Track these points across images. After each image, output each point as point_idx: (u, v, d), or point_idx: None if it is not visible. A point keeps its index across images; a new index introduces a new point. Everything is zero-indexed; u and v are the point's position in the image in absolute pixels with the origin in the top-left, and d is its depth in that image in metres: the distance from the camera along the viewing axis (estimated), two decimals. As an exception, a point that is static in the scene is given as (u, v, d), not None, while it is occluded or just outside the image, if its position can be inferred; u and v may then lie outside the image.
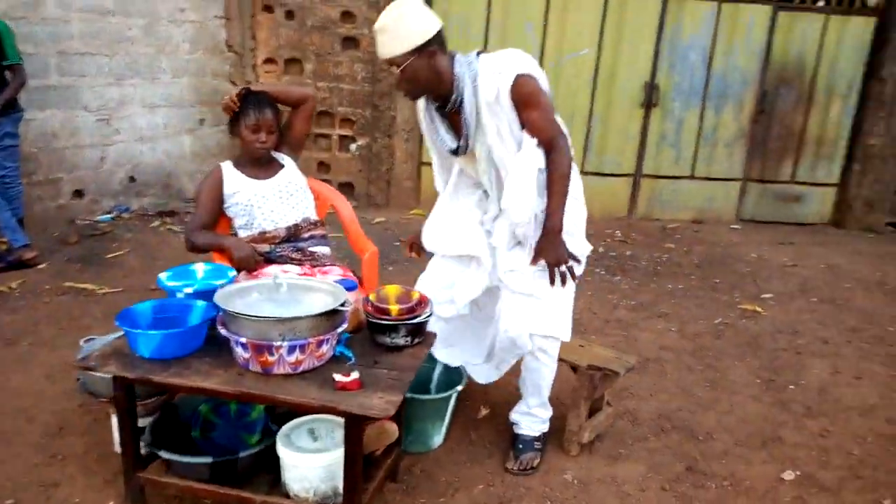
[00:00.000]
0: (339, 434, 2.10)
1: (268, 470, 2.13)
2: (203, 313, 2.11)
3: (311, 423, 2.15)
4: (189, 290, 2.20)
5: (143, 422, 2.33)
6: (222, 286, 2.23)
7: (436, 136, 2.36)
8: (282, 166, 2.77)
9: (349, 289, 2.17)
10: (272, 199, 2.67)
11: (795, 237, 6.17)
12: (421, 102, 2.35)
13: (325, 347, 1.97)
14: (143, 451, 2.11)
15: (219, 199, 2.69)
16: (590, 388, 2.54)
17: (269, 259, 2.62)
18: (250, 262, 2.54)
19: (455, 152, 2.32)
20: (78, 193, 5.05)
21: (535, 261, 2.26)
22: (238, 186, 2.67)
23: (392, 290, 2.24)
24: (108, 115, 5.13)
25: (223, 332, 1.93)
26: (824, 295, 4.58)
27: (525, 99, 2.14)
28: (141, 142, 5.41)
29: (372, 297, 2.19)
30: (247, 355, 1.91)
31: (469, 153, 2.32)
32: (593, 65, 6.07)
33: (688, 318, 4.00)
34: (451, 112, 2.26)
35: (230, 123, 2.70)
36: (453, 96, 2.20)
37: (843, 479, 2.55)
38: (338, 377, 1.91)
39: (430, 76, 2.16)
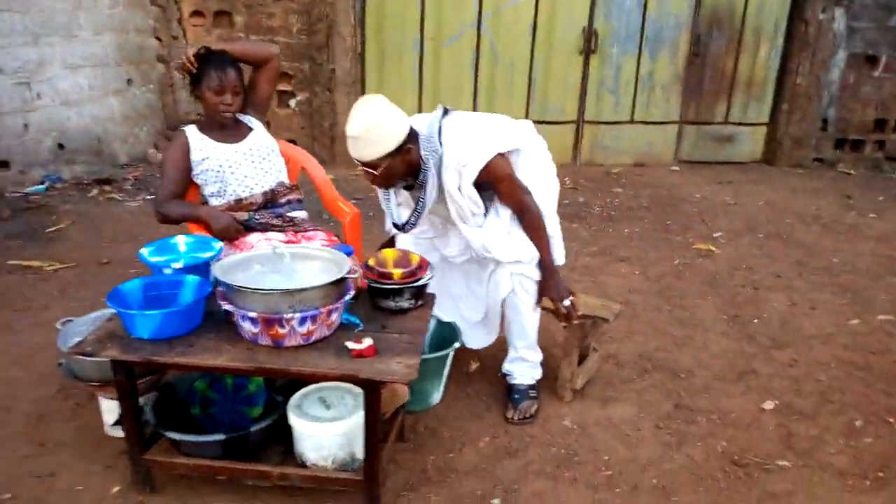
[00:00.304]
0: (351, 400, 2.08)
1: (276, 441, 2.08)
2: (197, 289, 2.01)
3: (319, 391, 2.10)
4: (178, 265, 2.08)
5: None
6: (210, 259, 2.14)
7: (387, 206, 2.46)
8: (250, 129, 2.64)
9: (347, 254, 2.11)
10: (245, 164, 2.55)
11: (731, 176, 6.40)
12: None
13: (334, 316, 1.91)
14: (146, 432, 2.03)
15: (187, 167, 2.54)
16: (581, 336, 2.59)
17: (249, 227, 2.51)
18: (230, 231, 2.43)
19: (400, 228, 2.42)
20: (3, 164, 4.68)
21: (538, 303, 2.45)
22: (207, 152, 2.53)
23: (390, 254, 2.20)
24: (28, 78, 4.74)
25: (227, 307, 1.84)
26: (769, 231, 4.80)
27: (491, 179, 2.27)
28: (66, 106, 5.04)
29: (371, 261, 2.14)
30: (255, 329, 1.84)
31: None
32: (532, 12, 6.02)
33: (648, 261, 4.12)
34: (411, 186, 2.35)
35: (191, 85, 2.54)
36: (419, 178, 2.27)
37: (816, 404, 2.72)
38: (351, 345, 1.87)
39: (403, 169, 2.23)
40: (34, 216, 4.37)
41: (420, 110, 6.11)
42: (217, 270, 1.87)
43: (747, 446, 2.43)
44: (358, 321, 2.00)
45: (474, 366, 2.82)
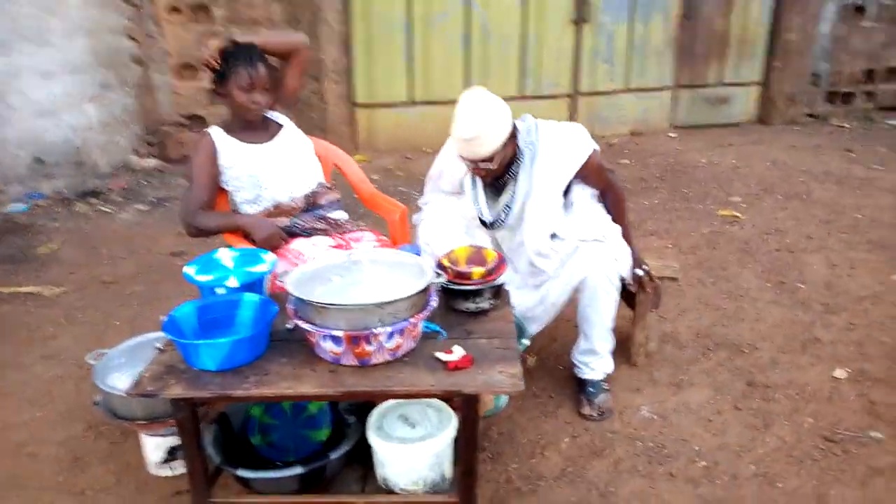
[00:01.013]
0: (434, 415, 1.92)
1: (349, 463, 1.92)
2: (260, 309, 1.82)
3: (398, 407, 1.94)
4: (233, 282, 1.89)
5: (175, 440, 2.07)
6: (265, 273, 1.96)
7: (476, 204, 2.36)
8: (280, 126, 2.44)
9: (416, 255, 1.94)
10: (280, 166, 2.35)
11: (730, 138, 6.31)
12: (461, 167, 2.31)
13: (420, 326, 1.75)
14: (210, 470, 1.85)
15: (215, 173, 2.33)
16: (654, 297, 2.55)
17: (291, 233, 2.32)
18: (275, 240, 2.24)
19: (490, 225, 2.36)
20: (-21, 184, 4.38)
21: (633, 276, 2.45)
22: (237, 156, 2.32)
23: (462, 252, 2.03)
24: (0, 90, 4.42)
25: (305, 326, 1.66)
26: (786, 191, 4.71)
27: (587, 173, 2.31)
28: (41, 116, 4.71)
29: (445, 261, 1.96)
30: (339, 349, 1.66)
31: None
32: (522, -18, 5.82)
33: (677, 233, 4.00)
34: (496, 183, 2.30)
35: (214, 83, 2.32)
36: (512, 169, 2.24)
37: (888, 368, 2.63)
38: (443, 356, 1.70)
39: (511, 155, 2.22)
40: (20, 238, 4.08)
41: (412, 95, 5.89)
42: (291, 286, 1.68)
43: (834, 420, 2.33)
44: (439, 328, 1.83)
45: (532, 360, 2.67)
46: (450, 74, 5.89)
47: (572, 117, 6.35)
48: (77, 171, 5.00)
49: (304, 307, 1.67)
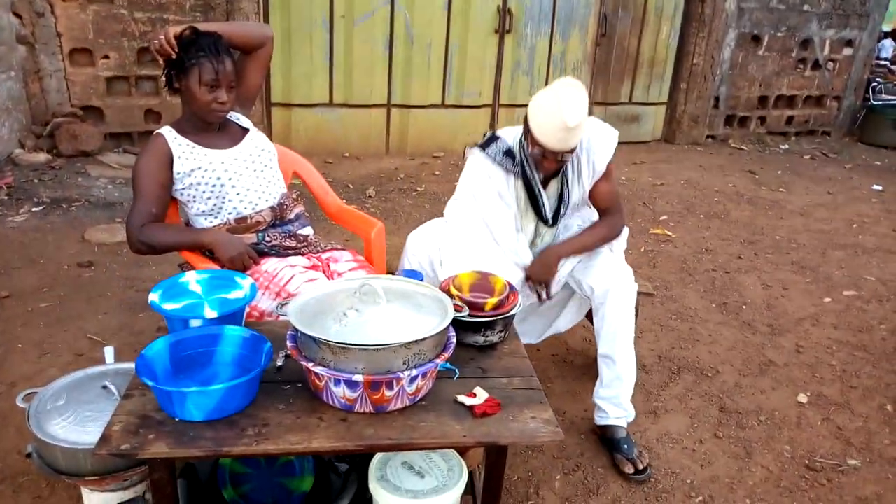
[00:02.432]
0: (440, 462, 1.72)
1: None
2: (246, 346, 1.55)
3: (398, 455, 1.72)
4: (212, 313, 1.60)
5: (125, 495, 1.76)
6: (246, 302, 1.69)
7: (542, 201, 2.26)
8: (245, 130, 2.15)
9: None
10: (246, 174, 2.06)
11: (640, 156, 6.50)
12: (496, 171, 2.22)
13: (438, 366, 1.55)
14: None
15: (168, 181, 2.01)
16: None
17: (261, 252, 2.04)
18: (244, 260, 1.95)
19: (550, 222, 2.29)
20: None
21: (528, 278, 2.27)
22: (196, 161, 2.01)
23: (465, 278, 1.84)
24: None
25: (318, 369, 1.42)
26: (706, 211, 4.87)
27: (611, 167, 2.24)
28: None
29: (453, 289, 1.77)
30: (354, 394, 1.43)
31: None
32: (446, -11, 5.70)
33: (616, 250, 4.00)
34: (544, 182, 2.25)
35: (168, 75, 2.00)
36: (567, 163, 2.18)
37: (843, 391, 2.70)
38: (465, 400, 1.52)
39: None
40: None
41: (331, 94, 5.61)
42: (297, 321, 1.43)
43: (810, 447, 2.35)
44: (450, 366, 1.64)
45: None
46: (371, 76, 5.66)
47: (493, 128, 6.29)
48: (-53, 164, 4.34)
49: (312, 346, 1.43)
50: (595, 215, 2.37)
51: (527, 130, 2.07)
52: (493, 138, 2.25)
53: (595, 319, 2.27)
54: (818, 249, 4.24)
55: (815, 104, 7.73)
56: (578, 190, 2.24)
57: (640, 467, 2.12)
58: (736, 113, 7.29)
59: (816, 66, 7.44)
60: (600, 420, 2.25)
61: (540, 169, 2.16)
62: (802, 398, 2.64)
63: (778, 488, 2.14)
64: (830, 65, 7.52)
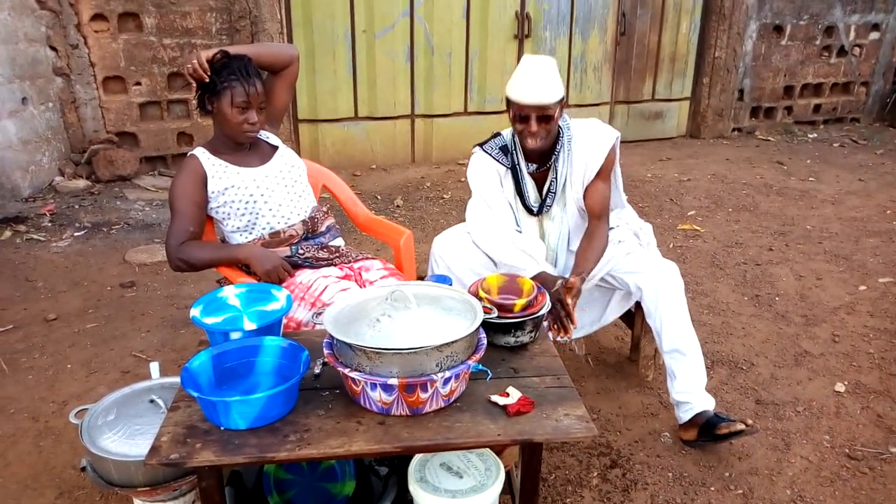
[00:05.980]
0: (477, 461, 1.76)
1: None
2: (286, 355, 1.62)
3: (436, 456, 1.76)
4: (251, 325, 1.67)
5: None
6: (283, 313, 1.75)
7: (518, 196, 2.38)
8: (273, 148, 2.22)
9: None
10: (278, 190, 2.14)
11: (666, 152, 6.47)
12: (492, 164, 2.36)
13: (470, 367, 1.59)
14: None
15: (203, 200, 2.09)
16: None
17: (295, 264, 2.10)
18: (279, 272, 2.02)
19: (536, 212, 2.37)
20: None
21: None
22: (230, 179, 2.09)
23: (493, 281, 1.88)
24: None
25: (354, 374, 1.47)
26: (735, 204, 4.84)
27: (607, 167, 2.29)
28: (-50, 135, 4.23)
29: (482, 292, 1.82)
30: (390, 398, 1.48)
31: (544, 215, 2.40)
32: (464, -2, 5.76)
33: (645, 248, 4.01)
34: (536, 173, 2.33)
35: (202, 97, 2.09)
36: (555, 152, 2.26)
37: (882, 379, 2.68)
38: (499, 399, 1.56)
39: (556, 131, 2.23)
40: (-64, 271, 3.61)
41: (356, 107, 5.70)
42: (333, 328, 1.49)
43: (849, 436, 2.33)
44: (485, 368, 1.68)
45: (579, 350, 2.67)
46: (395, 87, 5.74)
47: (516, 132, 6.32)
48: (-7, 195, 4.52)
49: (348, 352, 1.49)
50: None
51: (508, 105, 2.20)
52: (493, 136, 2.40)
53: (650, 321, 2.30)
54: (851, 237, 4.18)
55: (843, 91, 7.61)
56: (572, 186, 2.31)
57: (750, 423, 2.10)
58: (761, 104, 7.22)
59: (842, 52, 7.33)
60: (686, 413, 2.22)
61: (524, 143, 2.22)
62: (840, 387, 2.62)
63: (819, 478, 2.13)
64: (857, 50, 7.40)
